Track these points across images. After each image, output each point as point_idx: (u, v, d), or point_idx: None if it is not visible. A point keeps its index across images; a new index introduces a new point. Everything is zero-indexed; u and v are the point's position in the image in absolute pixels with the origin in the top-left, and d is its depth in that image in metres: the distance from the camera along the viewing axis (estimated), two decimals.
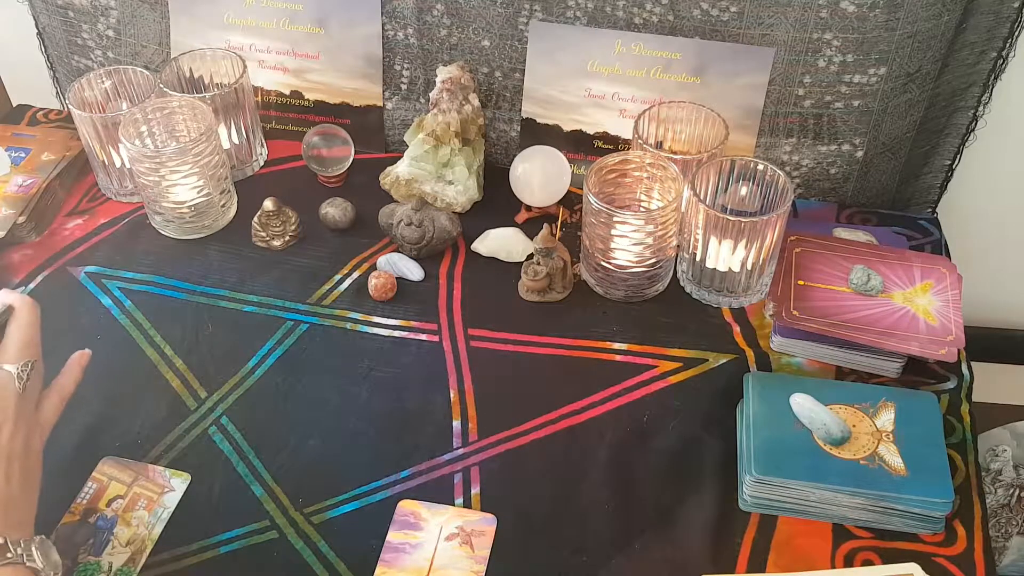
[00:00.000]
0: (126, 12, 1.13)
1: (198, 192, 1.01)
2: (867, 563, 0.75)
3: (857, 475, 0.76)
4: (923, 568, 0.73)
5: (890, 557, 0.76)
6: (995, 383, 1.24)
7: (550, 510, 0.80)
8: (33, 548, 0.65)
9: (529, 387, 0.89)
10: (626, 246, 0.92)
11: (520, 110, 1.09)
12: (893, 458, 0.77)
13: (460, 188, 1.06)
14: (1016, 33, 0.97)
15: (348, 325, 0.95)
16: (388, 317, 0.96)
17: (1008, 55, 0.99)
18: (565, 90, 1.06)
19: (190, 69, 1.09)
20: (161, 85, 1.04)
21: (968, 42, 0.99)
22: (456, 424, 0.86)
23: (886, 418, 0.80)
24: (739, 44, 0.99)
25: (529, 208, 1.05)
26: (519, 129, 1.10)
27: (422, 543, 0.77)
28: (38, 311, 0.75)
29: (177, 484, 0.81)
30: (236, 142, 1.10)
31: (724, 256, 0.92)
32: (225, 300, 0.97)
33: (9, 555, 0.64)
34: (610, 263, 0.94)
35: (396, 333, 0.94)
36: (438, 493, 0.81)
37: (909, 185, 1.10)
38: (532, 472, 0.83)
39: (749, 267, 0.92)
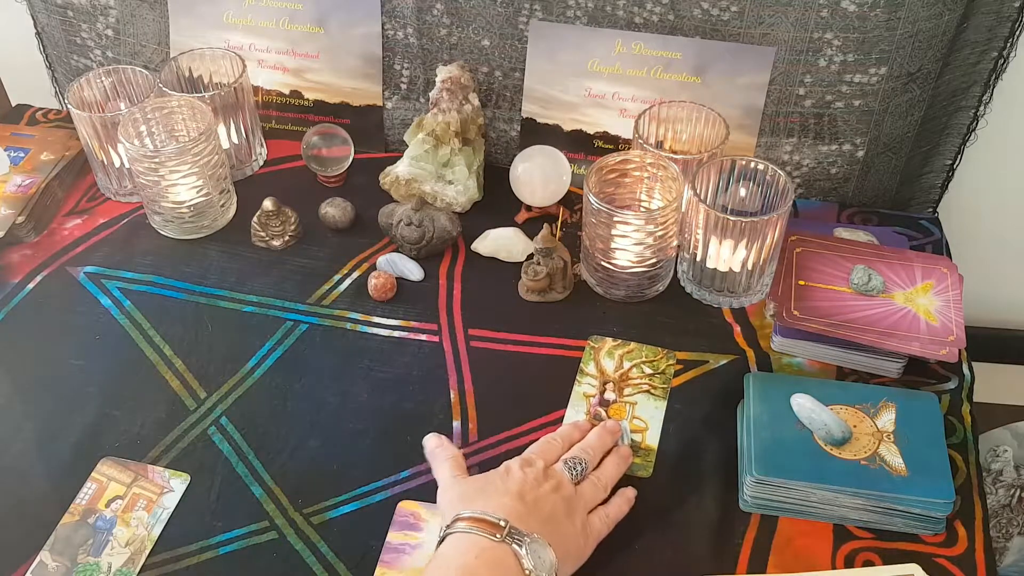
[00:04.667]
0: (125, 12, 1.13)
1: (197, 192, 1.01)
2: (868, 564, 0.75)
3: (858, 475, 0.76)
4: (924, 569, 0.73)
5: (891, 558, 0.75)
6: (996, 383, 1.24)
7: None
8: None
9: (529, 387, 0.89)
10: (626, 246, 0.92)
11: (520, 110, 1.09)
12: (894, 458, 0.77)
13: (460, 188, 1.06)
14: (1017, 32, 0.97)
15: (348, 325, 0.95)
16: (388, 317, 0.95)
17: (1009, 55, 0.99)
18: (565, 90, 1.06)
19: (189, 69, 1.08)
20: (160, 85, 1.04)
21: (969, 41, 0.99)
22: (456, 424, 0.86)
23: (887, 418, 0.80)
24: (739, 44, 0.99)
25: (529, 208, 1.05)
26: (519, 129, 1.10)
27: (422, 544, 0.77)
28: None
29: (176, 484, 0.81)
30: (236, 142, 1.10)
31: (724, 256, 0.91)
32: (225, 300, 0.97)
33: None
34: (610, 263, 0.94)
35: (396, 333, 0.94)
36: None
37: (910, 185, 1.10)
38: None
39: (749, 267, 0.92)
